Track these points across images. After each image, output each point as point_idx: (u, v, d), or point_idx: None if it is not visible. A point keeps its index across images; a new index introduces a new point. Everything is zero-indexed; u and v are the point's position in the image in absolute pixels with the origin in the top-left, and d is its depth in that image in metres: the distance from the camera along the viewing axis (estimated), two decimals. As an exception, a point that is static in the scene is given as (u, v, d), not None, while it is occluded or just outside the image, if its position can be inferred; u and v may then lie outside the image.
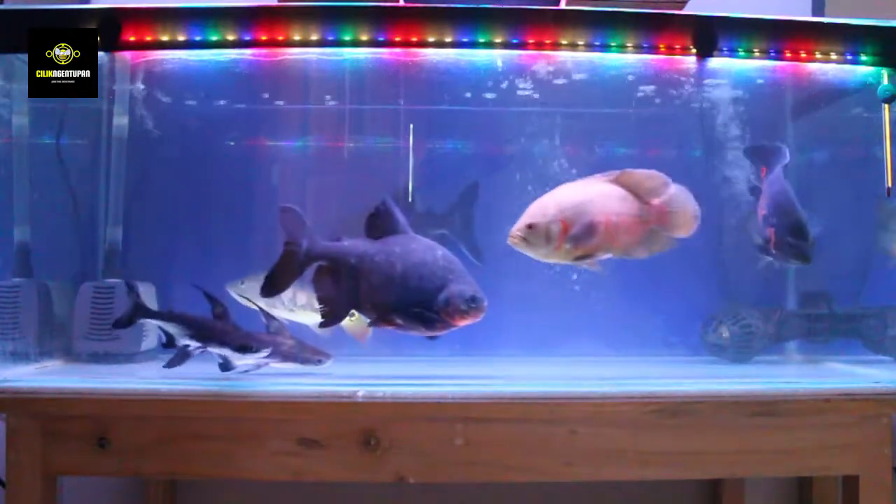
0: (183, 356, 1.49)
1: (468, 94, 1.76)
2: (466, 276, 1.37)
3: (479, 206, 1.81)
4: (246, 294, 1.64)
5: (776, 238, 1.53)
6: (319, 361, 1.52)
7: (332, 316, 1.42)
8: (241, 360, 1.50)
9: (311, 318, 1.65)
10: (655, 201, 1.49)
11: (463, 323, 1.35)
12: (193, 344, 1.47)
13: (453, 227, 1.77)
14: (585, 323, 1.83)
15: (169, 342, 1.49)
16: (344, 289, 1.41)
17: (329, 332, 1.50)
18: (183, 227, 1.86)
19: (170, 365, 1.47)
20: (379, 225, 1.41)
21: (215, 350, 1.47)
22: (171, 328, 1.48)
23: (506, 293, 1.76)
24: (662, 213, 1.49)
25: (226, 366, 1.49)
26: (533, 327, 1.83)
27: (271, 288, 1.42)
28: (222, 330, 1.47)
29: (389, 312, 1.38)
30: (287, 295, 1.64)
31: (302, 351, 1.53)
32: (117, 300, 1.68)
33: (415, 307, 1.35)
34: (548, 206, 1.47)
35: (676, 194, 1.50)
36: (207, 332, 1.47)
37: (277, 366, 1.52)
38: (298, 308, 1.67)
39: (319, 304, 1.42)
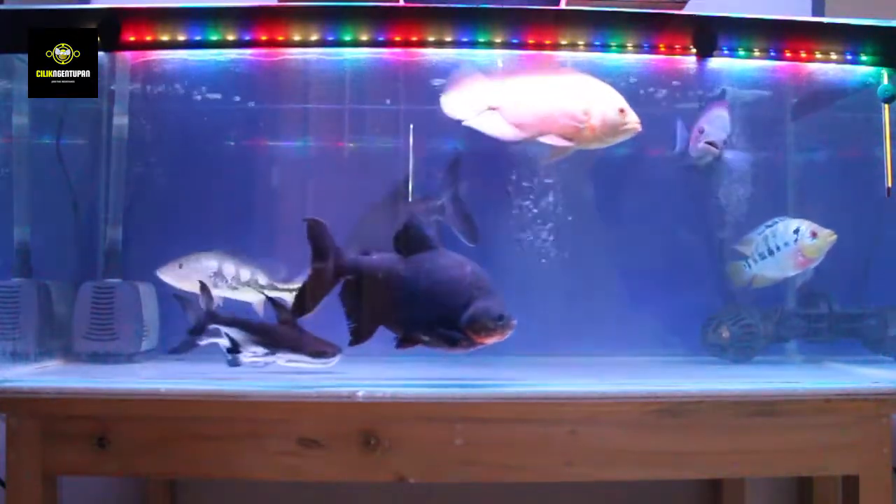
0: (189, 344, 1.50)
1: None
2: (494, 293, 1.35)
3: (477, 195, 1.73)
4: (187, 278, 1.61)
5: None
6: (332, 354, 1.49)
7: (358, 332, 1.40)
8: (251, 358, 1.49)
9: (254, 295, 1.62)
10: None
11: (490, 341, 1.34)
12: (260, 351, 1.45)
13: (444, 210, 1.63)
14: (585, 323, 1.83)
15: (233, 348, 1.46)
16: (371, 304, 1.40)
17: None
18: (183, 226, 1.86)
19: (175, 351, 1.49)
20: (408, 240, 1.40)
21: (286, 357, 1.45)
22: (236, 334, 1.46)
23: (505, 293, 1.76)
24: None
25: (234, 361, 1.50)
26: (533, 327, 1.83)
27: (302, 307, 1.41)
28: (290, 336, 1.45)
29: (415, 329, 1.37)
30: (229, 271, 1.61)
31: (311, 343, 1.51)
32: (117, 300, 1.68)
33: (441, 325, 1.34)
34: None
35: None
36: (276, 339, 1.45)
37: (286, 359, 1.51)
38: (242, 285, 1.63)
39: (347, 319, 1.41)
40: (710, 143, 1.61)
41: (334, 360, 1.50)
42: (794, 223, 1.67)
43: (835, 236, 1.64)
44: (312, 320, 1.47)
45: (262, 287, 1.61)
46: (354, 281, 1.40)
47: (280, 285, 1.61)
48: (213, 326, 1.47)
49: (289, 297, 1.58)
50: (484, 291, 1.35)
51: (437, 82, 1.63)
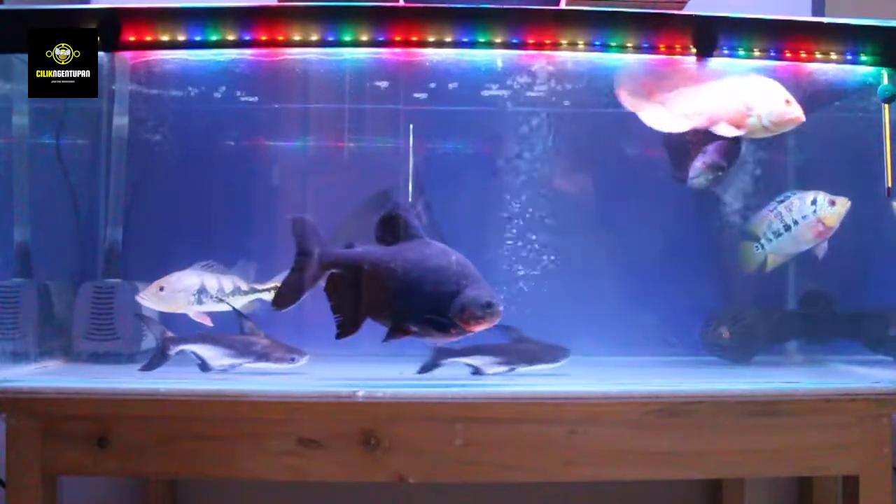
0: (161, 357, 1.51)
1: (469, 94, 1.76)
2: (481, 281, 1.35)
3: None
4: (170, 300, 1.61)
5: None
6: (293, 360, 1.52)
7: (346, 326, 1.39)
8: (219, 362, 1.52)
9: (239, 301, 1.63)
10: None
11: (478, 328, 1.34)
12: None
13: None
14: (585, 322, 1.83)
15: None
16: (358, 297, 1.39)
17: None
18: (183, 227, 1.86)
19: (147, 367, 1.50)
20: (391, 230, 1.39)
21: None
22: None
23: (507, 294, 1.76)
24: None
25: (204, 366, 1.52)
26: (532, 327, 1.83)
27: (283, 301, 1.41)
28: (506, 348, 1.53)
29: (404, 320, 1.37)
30: (212, 285, 1.62)
31: (275, 350, 1.54)
32: (117, 300, 1.68)
33: (429, 314, 1.34)
34: None
35: None
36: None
37: (252, 366, 1.53)
38: (227, 296, 1.64)
39: (333, 314, 1.40)
40: None
41: (298, 364, 1.56)
42: (810, 194, 1.67)
43: (850, 202, 1.66)
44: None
45: (245, 292, 1.63)
46: (340, 274, 1.40)
47: (259, 286, 1.64)
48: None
49: (269, 297, 1.62)
50: (471, 279, 1.35)
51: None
